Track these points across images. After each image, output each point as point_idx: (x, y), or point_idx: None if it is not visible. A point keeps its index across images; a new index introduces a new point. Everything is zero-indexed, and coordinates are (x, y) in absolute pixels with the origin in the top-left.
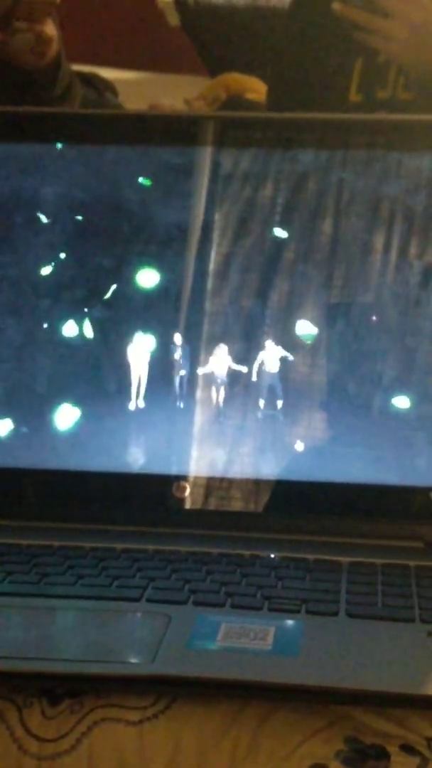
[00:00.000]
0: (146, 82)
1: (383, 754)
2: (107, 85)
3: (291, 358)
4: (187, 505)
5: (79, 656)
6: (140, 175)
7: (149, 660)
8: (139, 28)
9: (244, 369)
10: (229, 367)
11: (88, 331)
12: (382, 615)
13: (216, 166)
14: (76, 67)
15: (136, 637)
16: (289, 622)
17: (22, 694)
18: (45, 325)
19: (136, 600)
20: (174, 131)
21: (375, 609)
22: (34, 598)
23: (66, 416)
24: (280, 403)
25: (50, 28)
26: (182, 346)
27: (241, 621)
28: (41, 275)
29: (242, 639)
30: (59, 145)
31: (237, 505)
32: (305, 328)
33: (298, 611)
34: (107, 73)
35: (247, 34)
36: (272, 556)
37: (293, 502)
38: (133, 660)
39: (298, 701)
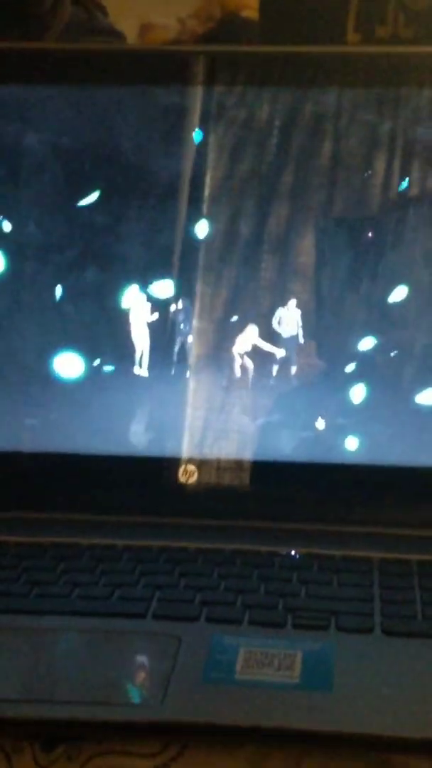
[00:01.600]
0: (138, 1)
1: None
2: (97, 4)
3: (312, 321)
4: (196, 491)
5: (75, 696)
6: (128, 117)
7: (158, 700)
8: None
9: (258, 335)
10: (242, 335)
11: (81, 296)
12: (423, 631)
13: (208, 103)
14: None
15: (142, 668)
16: (318, 645)
17: (10, 739)
18: (32, 290)
19: (141, 616)
20: (162, 68)
21: (415, 623)
22: (22, 616)
23: (58, 391)
24: (299, 375)
25: None
26: (185, 308)
27: (263, 643)
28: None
29: (265, 669)
30: (36, 86)
31: (252, 491)
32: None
33: (327, 627)
34: None
35: None
36: (293, 552)
37: (316, 487)
38: (139, 701)
39: (333, 746)
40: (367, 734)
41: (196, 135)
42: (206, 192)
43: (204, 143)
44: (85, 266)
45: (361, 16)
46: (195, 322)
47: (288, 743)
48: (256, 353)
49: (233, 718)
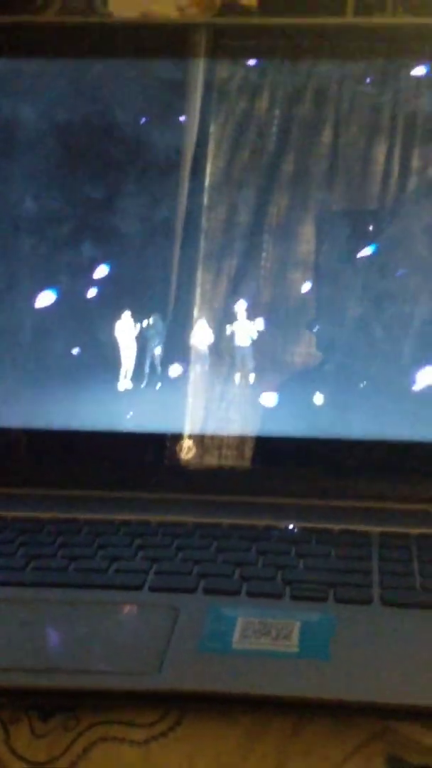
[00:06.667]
0: None
1: None
2: None
3: (310, 297)
4: (193, 467)
5: (72, 666)
6: (128, 91)
7: (155, 669)
8: None
9: (255, 309)
10: (239, 307)
11: (75, 275)
12: (422, 602)
13: (210, 78)
14: None
15: (139, 638)
16: (316, 616)
17: (7, 709)
18: (26, 267)
19: (138, 588)
20: (164, 41)
21: (414, 594)
22: (20, 588)
23: (53, 369)
24: (298, 349)
25: None
26: (183, 285)
27: (261, 613)
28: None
29: (263, 638)
30: (36, 60)
31: (250, 466)
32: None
33: (325, 599)
34: None
35: None
36: (291, 526)
37: (314, 462)
38: (137, 669)
39: (331, 714)
40: (366, 702)
41: (197, 109)
42: (208, 168)
43: (204, 117)
44: (81, 241)
45: (360, 8)
46: (198, 295)
47: (286, 711)
48: (257, 330)
49: (230, 686)
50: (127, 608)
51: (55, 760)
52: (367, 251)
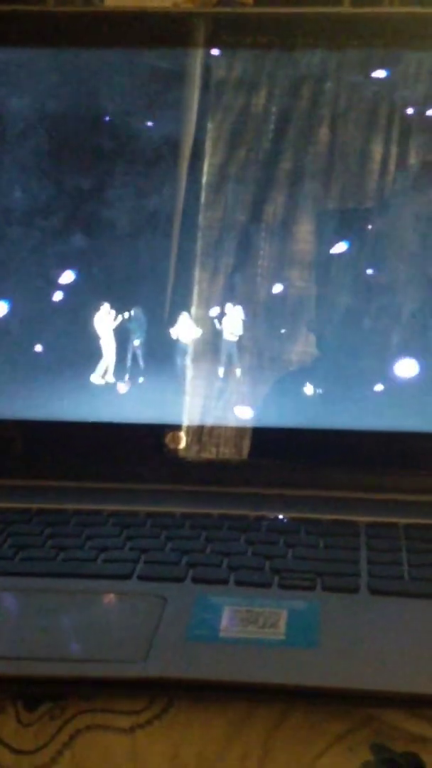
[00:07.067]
0: None
1: (418, 765)
2: None
3: (298, 289)
4: (183, 458)
5: (58, 654)
6: (122, 82)
7: (141, 657)
8: None
9: (247, 301)
10: (232, 299)
11: (65, 266)
12: (410, 591)
13: (207, 68)
14: None
15: (126, 626)
16: (304, 604)
17: None
18: (17, 258)
19: (126, 578)
20: (160, 31)
21: (401, 583)
22: (8, 578)
23: (43, 359)
24: (289, 342)
25: None
26: (176, 277)
27: (248, 602)
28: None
29: (250, 626)
30: (29, 49)
31: (240, 457)
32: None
33: (313, 588)
34: None
35: None
36: (281, 517)
37: (303, 453)
38: (123, 657)
39: (317, 702)
40: (352, 689)
41: (193, 100)
42: (202, 159)
43: (199, 108)
44: (74, 233)
45: (356, 4)
46: (189, 287)
47: (272, 699)
48: (247, 323)
49: (217, 674)
50: (115, 597)
51: (42, 748)
52: (360, 247)
